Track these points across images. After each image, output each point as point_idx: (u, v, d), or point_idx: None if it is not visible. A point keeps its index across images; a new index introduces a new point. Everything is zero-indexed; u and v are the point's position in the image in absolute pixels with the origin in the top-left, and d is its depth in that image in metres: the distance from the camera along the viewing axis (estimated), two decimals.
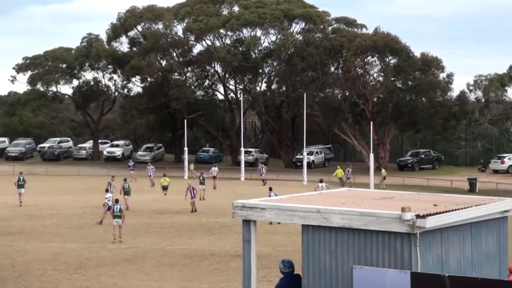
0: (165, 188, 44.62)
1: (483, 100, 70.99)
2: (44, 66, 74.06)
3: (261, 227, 24.24)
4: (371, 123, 59.94)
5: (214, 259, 25.24)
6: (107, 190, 36.38)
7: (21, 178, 40.75)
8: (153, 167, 54.35)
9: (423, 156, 69.21)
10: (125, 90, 76.10)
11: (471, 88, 70.07)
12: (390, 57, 67.74)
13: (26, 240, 28.58)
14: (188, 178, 54.48)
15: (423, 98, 68.08)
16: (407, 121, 68.62)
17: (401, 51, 66.85)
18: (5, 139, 78.98)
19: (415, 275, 9.95)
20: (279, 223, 27.76)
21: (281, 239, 28.86)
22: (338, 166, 57.50)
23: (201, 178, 44.92)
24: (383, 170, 56.92)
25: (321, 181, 39.01)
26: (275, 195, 25.06)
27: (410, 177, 58.72)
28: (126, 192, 37.90)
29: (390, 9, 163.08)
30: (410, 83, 68.38)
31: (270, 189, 34.68)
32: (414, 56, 67.42)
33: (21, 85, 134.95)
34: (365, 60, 68.60)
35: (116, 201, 30.27)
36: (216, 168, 53.85)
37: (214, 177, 51.15)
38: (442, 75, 68.40)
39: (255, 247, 11.65)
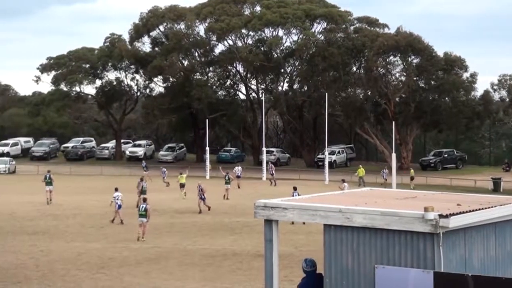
0: (182, 185, 44.83)
1: (507, 99, 70.61)
2: (67, 66, 74.55)
3: (283, 226, 24.13)
4: (393, 122, 59.70)
5: (236, 258, 25.19)
6: (144, 192, 36.64)
7: (48, 176, 41.58)
8: (165, 169, 54.19)
9: (446, 155, 69.05)
10: (147, 90, 76.76)
11: (495, 87, 69.86)
12: (413, 57, 67.75)
13: (50, 240, 28.75)
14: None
15: (446, 98, 67.94)
16: (430, 121, 68.52)
17: (423, 50, 66.68)
18: (30, 139, 79.77)
19: (438, 274, 9.89)
20: (304, 223, 28.02)
21: (303, 238, 28.77)
22: (360, 166, 57.35)
23: (226, 178, 45.02)
24: (411, 170, 56.37)
25: (343, 181, 39.46)
26: (299, 195, 24.94)
27: (433, 177, 58.45)
28: (143, 191, 37.89)
29: (412, 8, 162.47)
30: (433, 82, 68.25)
31: (295, 188, 34.41)
32: (437, 56, 67.26)
33: (45, 85, 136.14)
34: (387, 60, 68.58)
35: (144, 200, 30.23)
36: (240, 168, 54.09)
37: (238, 177, 51.37)
38: (466, 75, 68.35)
39: (277, 247, 11.63)
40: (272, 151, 71.69)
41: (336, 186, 38.48)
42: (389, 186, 46.48)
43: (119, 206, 33.18)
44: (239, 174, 51.91)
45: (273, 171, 54.49)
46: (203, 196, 36.44)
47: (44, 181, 41.54)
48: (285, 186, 49.78)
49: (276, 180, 53.39)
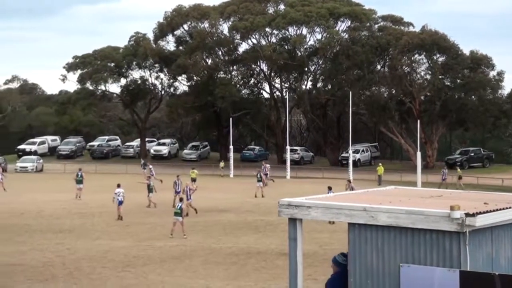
0: (193, 180, 45.31)
1: None
2: (93, 65, 74.98)
3: (307, 225, 24.17)
4: (418, 121, 59.43)
5: (260, 257, 25.12)
6: (187, 191, 36.20)
7: (79, 174, 43.16)
8: (151, 166, 53.05)
9: (472, 154, 68.73)
10: (172, 89, 77.06)
11: None
12: (438, 55, 67.52)
13: (76, 238, 28.96)
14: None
15: (473, 96, 67.49)
16: (455, 119, 68.33)
17: (449, 49, 66.49)
18: (57, 137, 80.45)
19: (464, 273, 9.80)
20: (333, 222, 27.66)
21: (327, 237, 28.66)
22: (380, 164, 56.90)
23: (258, 176, 45.25)
24: (458, 170, 55.14)
25: (349, 182, 39.11)
26: None
27: None
28: (150, 189, 37.62)
29: (436, 7, 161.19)
30: (459, 81, 67.87)
31: (329, 188, 33.28)
32: (463, 54, 67.03)
33: (72, 84, 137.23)
34: (412, 58, 68.28)
35: (180, 199, 30.38)
36: (268, 165, 53.55)
37: (266, 174, 50.97)
38: (492, 73, 67.90)
39: (301, 246, 11.59)
40: (296, 150, 71.71)
41: (358, 185, 38.25)
42: (401, 184, 45.58)
43: (120, 202, 33.73)
44: (266, 172, 51.46)
45: (267, 171, 52.14)
46: (189, 198, 34.90)
47: (76, 179, 42.87)
48: (309, 184, 49.98)
49: (269, 179, 51.23)
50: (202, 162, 70.13)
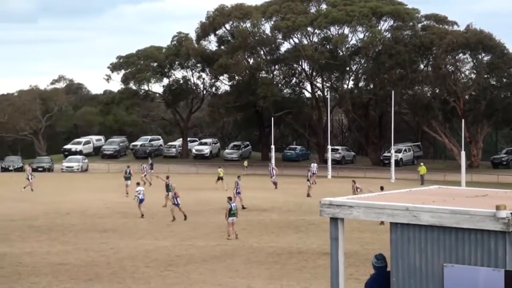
0: (220, 178, 47.16)
1: None
2: (136, 65, 75.47)
3: (349, 224, 23.78)
4: (463, 120, 58.80)
5: (301, 256, 25.06)
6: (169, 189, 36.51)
7: (127, 171, 44.68)
8: (145, 166, 53.34)
9: None
10: (213, 89, 77.16)
11: None
12: (483, 54, 66.90)
13: (120, 237, 29.14)
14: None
15: None
16: (502, 119, 67.61)
17: (495, 48, 65.87)
18: (101, 137, 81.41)
19: (509, 273, 9.68)
20: (382, 223, 27.29)
21: (369, 237, 28.40)
22: (422, 163, 56.45)
23: (308, 175, 45.96)
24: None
25: (354, 182, 38.19)
26: None
27: (505, 175, 57.36)
28: (169, 189, 37.37)
29: (481, 5, 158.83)
30: (505, 80, 67.16)
31: (382, 188, 32.33)
32: (509, 53, 66.41)
33: (116, 84, 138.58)
34: (456, 58, 67.83)
35: (230, 198, 30.04)
36: (316, 165, 53.24)
37: (313, 174, 50.29)
38: None
39: (342, 245, 11.52)
40: (337, 149, 71.47)
41: (400, 185, 37.44)
42: (445, 183, 44.97)
43: (141, 200, 34.38)
44: (314, 171, 50.87)
45: (274, 172, 50.46)
46: (176, 202, 33.50)
47: (124, 176, 44.32)
48: (351, 184, 49.53)
49: (276, 182, 49.48)
50: (243, 161, 69.82)
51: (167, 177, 39.56)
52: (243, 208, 36.46)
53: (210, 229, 30.42)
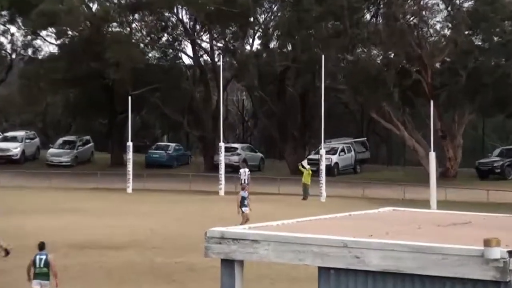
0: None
1: None
2: None
3: (253, 269, 18.29)
4: (431, 102, 48.43)
5: None
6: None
7: None
8: None
9: None
10: (30, 51, 63.88)
11: None
12: None
13: None
14: None
15: None
16: (491, 100, 54.56)
17: None
18: None
19: None
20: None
21: None
22: (307, 165, 46.94)
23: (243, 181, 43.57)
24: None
25: (243, 187, 35.43)
26: None
27: (497, 190, 48.78)
28: None
29: None
30: (496, 39, 54.83)
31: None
32: None
33: None
34: (422, 3, 55.24)
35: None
36: (247, 170, 46.93)
37: (247, 185, 42.33)
38: None
39: None
40: (235, 148, 58.77)
41: (338, 206, 33.86)
42: (405, 204, 37.25)
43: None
44: (246, 181, 43.93)
45: (249, 180, 44.42)
46: None
47: None
48: (258, 204, 38.34)
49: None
50: (80, 168, 57.36)
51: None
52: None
53: None
